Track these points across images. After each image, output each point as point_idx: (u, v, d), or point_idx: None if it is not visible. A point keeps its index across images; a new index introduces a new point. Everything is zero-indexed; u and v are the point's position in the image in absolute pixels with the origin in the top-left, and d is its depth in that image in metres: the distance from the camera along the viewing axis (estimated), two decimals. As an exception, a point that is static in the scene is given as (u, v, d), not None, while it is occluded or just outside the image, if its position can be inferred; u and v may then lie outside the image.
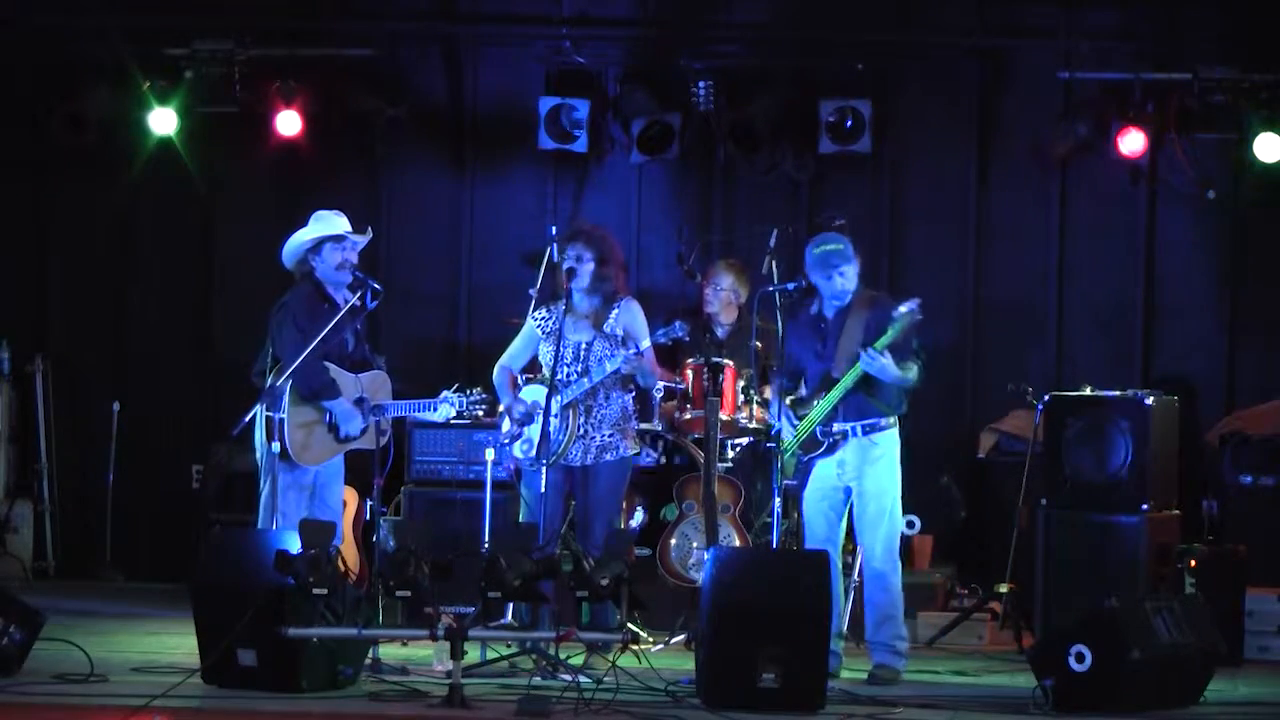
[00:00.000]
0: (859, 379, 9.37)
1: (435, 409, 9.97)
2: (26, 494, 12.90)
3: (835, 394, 9.43)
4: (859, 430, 9.46)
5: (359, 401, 9.73)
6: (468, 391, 9.98)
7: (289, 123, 12.44)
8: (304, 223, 9.93)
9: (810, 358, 9.60)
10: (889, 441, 9.52)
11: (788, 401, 9.61)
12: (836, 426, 9.48)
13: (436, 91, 12.95)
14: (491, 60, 12.94)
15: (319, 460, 9.71)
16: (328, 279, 9.80)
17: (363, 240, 9.89)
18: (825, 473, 9.55)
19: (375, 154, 12.88)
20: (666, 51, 12.52)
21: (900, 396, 9.53)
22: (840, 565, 9.67)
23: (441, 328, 12.92)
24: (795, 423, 9.58)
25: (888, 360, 9.32)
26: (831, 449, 9.51)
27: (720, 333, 11.20)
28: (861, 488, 9.51)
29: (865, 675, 9.44)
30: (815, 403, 9.51)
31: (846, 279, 9.52)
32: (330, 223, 9.84)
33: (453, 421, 11.18)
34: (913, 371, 9.45)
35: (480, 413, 10.24)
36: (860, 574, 9.72)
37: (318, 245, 9.80)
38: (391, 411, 9.84)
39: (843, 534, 9.66)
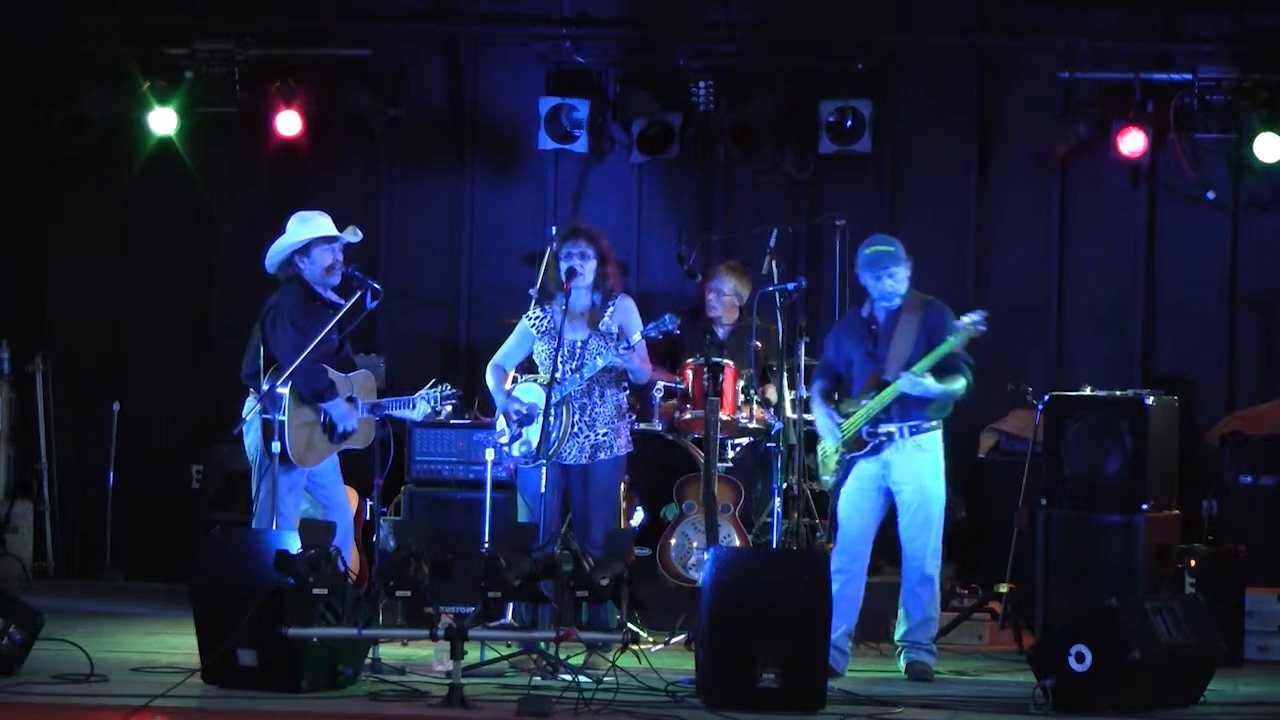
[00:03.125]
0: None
1: (413, 407, 9.94)
2: (26, 494, 12.89)
3: (879, 401, 9.45)
4: (905, 431, 9.50)
5: (349, 400, 9.73)
6: (440, 388, 9.95)
7: (289, 123, 12.45)
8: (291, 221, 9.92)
9: (861, 357, 9.64)
10: (934, 443, 9.59)
11: (821, 395, 9.68)
12: (883, 427, 9.51)
13: (436, 91, 12.94)
14: (491, 60, 12.93)
15: (318, 461, 9.70)
16: (315, 280, 9.77)
17: (353, 240, 9.86)
18: (868, 472, 9.59)
19: (375, 154, 12.89)
20: (666, 51, 12.51)
21: (948, 403, 9.57)
22: (866, 564, 9.67)
23: (441, 328, 12.92)
24: (839, 421, 9.60)
25: (929, 381, 9.39)
26: (877, 449, 9.53)
27: (721, 333, 11.20)
28: (909, 494, 9.55)
29: (869, 674, 9.49)
30: (863, 403, 9.54)
31: (897, 281, 9.56)
32: (317, 224, 9.80)
33: (452, 421, 11.25)
34: (959, 383, 9.53)
35: (448, 408, 10.17)
36: (903, 578, 9.69)
37: (307, 247, 9.76)
38: (380, 411, 9.83)
39: (874, 534, 9.70)
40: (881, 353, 9.57)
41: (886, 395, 9.48)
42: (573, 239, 9.74)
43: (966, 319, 9.44)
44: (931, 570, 9.60)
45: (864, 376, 9.63)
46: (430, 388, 9.93)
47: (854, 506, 9.63)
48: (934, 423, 9.59)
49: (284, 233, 9.87)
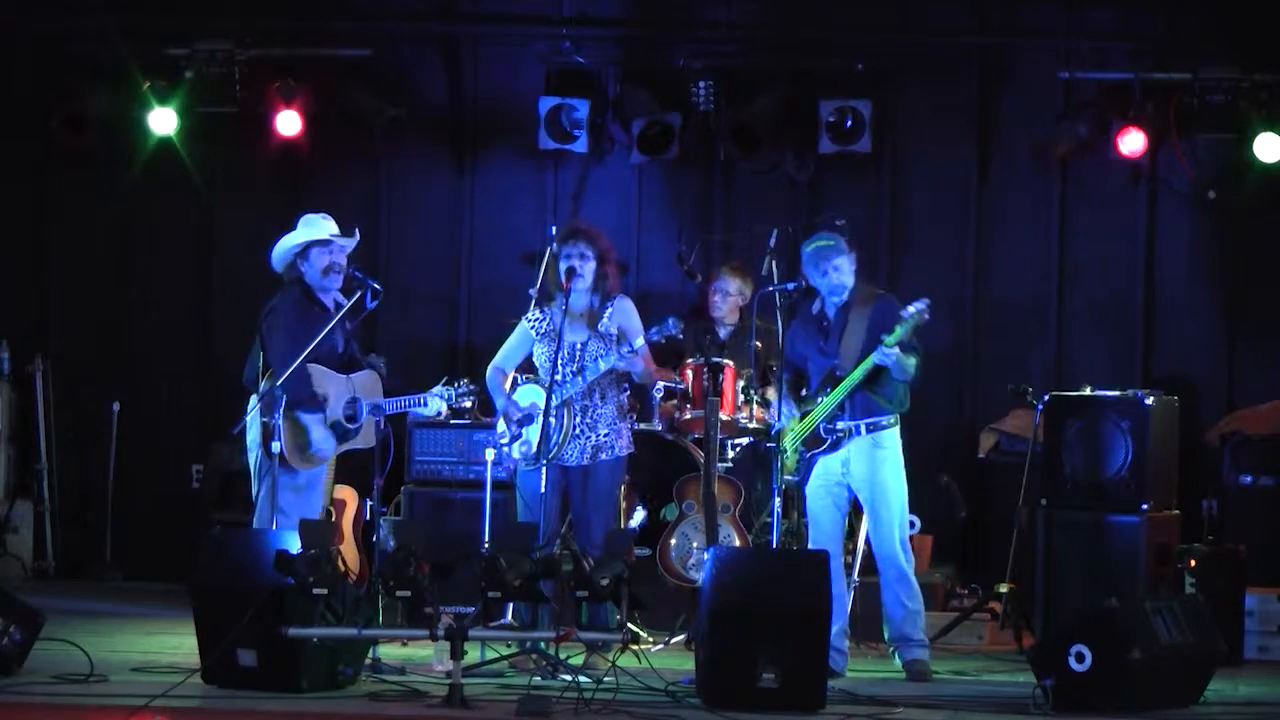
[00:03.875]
0: (867, 374, 9.39)
1: (425, 403, 9.95)
2: (26, 494, 12.90)
3: (842, 389, 9.47)
4: (863, 428, 9.50)
5: (351, 402, 9.70)
6: (456, 384, 9.96)
7: (289, 123, 12.45)
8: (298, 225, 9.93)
9: (814, 354, 9.65)
10: (892, 440, 9.56)
11: (787, 386, 9.68)
12: (840, 424, 9.51)
13: (436, 91, 12.94)
14: (491, 60, 12.93)
15: (313, 465, 9.67)
16: (316, 283, 9.78)
17: (350, 243, 9.85)
18: (829, 469, 9.59)
19: (375, 154, 12.89)
20: (666, 51, 12.52)
21: (905, 394, 9.58)
22: (843, 562, 9.70)
23: (441, 328, 12.91)
24: (794, 414, 9.61)
25: (898, 352, 9.35)
26: (835, 446, 9.54)
27: (722, 333, 11.22)
28: (871, 493, 9.55)
29: (867, 674, 9.49)
30: (820, 399, 9.54)
31: (841, 273, 9.56)
32: (317, 227, 9.81)
33: (452, 421, 11.25)
34: (912, 361, 9.48)
35: (469, 404, 10.17)
36: (880, 576, 9.71)
37: (304, 250, 9.77)
38: (388, 408, 9.82)
39: (843, 530, 9.73)
40: (833, 349, 9.57)
41: (844, 387, 9.46)
42: (572, 240, 9.74)
43: (911, 308, 9.40)
44: (905, 565, 9.58)
45: (818, 373, 9.63)
46: (444, 385, 9.93)
47: (821, 505, 9.64)
48: (891, 419, 9.57)
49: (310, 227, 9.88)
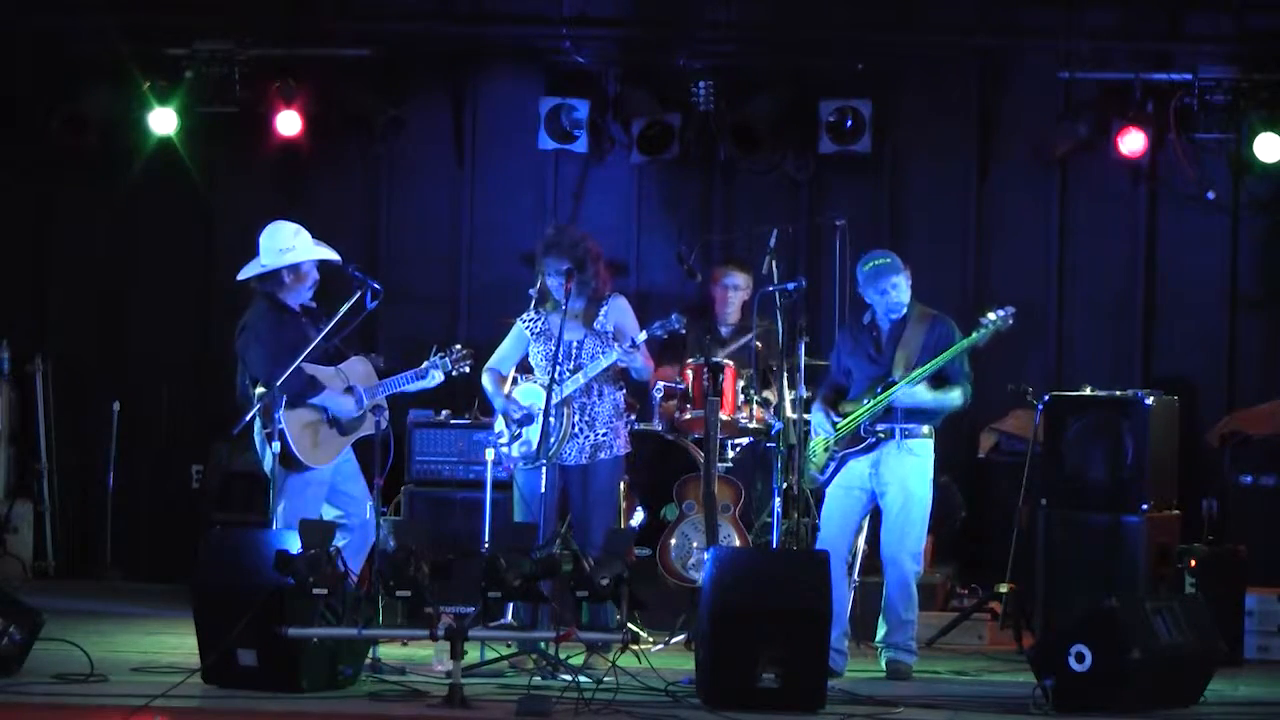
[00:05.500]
0: (917, 383, 9.45)
1: (426, 375, 9.88)
2: (26, 494, 12.90)
3: (879, 402, 9.50)
4: (899, 433, 9.52)
5: (349, 390, 9.68)
6: (448, 351, 9.91)
7: (289, 123, 12.45)
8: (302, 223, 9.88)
9: (862, 363, 9.69)
10: (925, 448, 9.63)
11: (820, 399, 9.79)
12: (881, 426, 9.55)
13: (436, 91, 12.94)
14: (491, 60, 12.93)
15: (330, 458, 9.62)
16: (288, 293, 9.69)
17: (328, 257, 9.78)
18: (857, 470, 9.63)
19: (375, 154, 12.89)
20: (666, 51, 12.52)
21: (943, 413, 9.64)
22: (845, 565, 9.71)
23: (441, 328, 12.88)
24: (835, 419, 9.62)
25: (922, 390, 9.48)
26: (869, 449, 9.56)
27: (724, 332, 11.23)
28: (894, 495, 9.59)
29: (866, 675, 9.50)
30: (864, 402, 9.57)
31: (900, 291, 9.63)
32: (306, 244, 9.71)
33: (452, 421, 11.25)
34: (953, 394, 9.56)
35: (467, 369, 10.07)
36: (884, 578, 9.74)
37: (296, 265, 9.69)
38: (386, 389, 9.77)
39: (854, 536, 9.73)
40: (886, 357, 9.61)
41: (885, 397, 9.52)
42: (545, 255, 9.69)
43: (993, 314, 9.48)
44: (910, 574, 9.63)
45: (865, 380, 9.68)
46: (437, 355, 9.88)
47: (837, 506, 9.68)
48: (927, 429, 9.63)
49: (277, 240, 9.76)
